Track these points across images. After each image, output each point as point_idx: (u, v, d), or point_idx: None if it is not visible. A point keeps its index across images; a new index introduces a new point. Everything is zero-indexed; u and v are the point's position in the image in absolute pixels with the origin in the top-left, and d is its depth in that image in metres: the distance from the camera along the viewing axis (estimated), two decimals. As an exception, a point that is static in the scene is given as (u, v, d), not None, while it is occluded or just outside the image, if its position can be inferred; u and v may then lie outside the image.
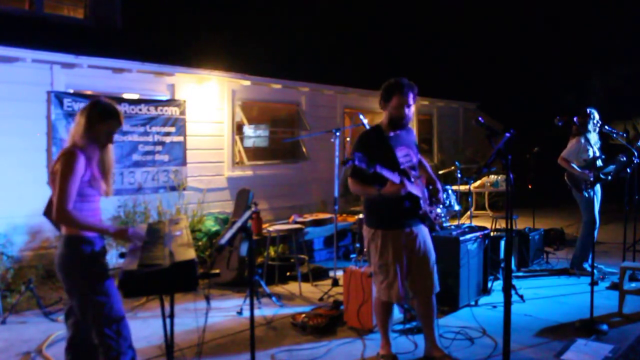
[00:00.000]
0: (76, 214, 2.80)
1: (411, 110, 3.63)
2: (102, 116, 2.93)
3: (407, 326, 4.49)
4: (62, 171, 2.79)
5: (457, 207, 5.44)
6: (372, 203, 3.67)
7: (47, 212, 3.09)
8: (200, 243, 6.76)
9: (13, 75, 6.02)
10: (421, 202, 3.64)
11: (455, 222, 5.88)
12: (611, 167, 5.84)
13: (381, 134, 3.64)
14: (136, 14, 8.47)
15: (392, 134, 3.66)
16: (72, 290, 2.90)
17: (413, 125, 12.09)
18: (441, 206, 3.92)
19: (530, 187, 7.95)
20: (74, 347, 3.04)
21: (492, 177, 10.85)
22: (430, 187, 3.81)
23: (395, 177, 3.36)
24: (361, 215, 6.76)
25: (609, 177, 5.87)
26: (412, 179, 3.60)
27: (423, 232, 3.73)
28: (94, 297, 2.85)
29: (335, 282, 5.72)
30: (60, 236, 2.91)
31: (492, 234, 5.80)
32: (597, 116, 5.92)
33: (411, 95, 3.57)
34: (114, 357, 2.86)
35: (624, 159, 5.64)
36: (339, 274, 5.74)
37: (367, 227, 3.75)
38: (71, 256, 2.86)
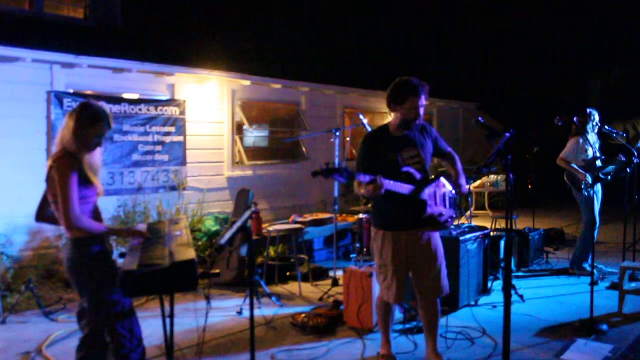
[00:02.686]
0: (86, 220, 2.83)
1: (423, 110, 3.55)
2: (92, 119, 2.92)
3: (407, 326, 4.48)
4: (60, 181, 2.79)
5: (457, 207, 5.43)
6: (378, 204, 3.65)
7: (40, 217, 3.09)
8: (200, 243, 6.76)
9: (13, 75, 6.02)
10: (428, 204, 3.52)
11: (455, 222, 5.88)
12: (611, 168, 5.84)
13: (387, 135, 3.59)
14: (136, 14, 8.47)
15: (399, 134, 3.57)
16: (84, 291, 2.92)
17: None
18: (455, 209, 3.84)
19: (530, 187, 7.96)
20: (85, 347, 3.04)
21: (492, 177, 10.86)
22: (452, 180, 3.71)
23: (366, 179, 3.25)
24: (361, 215, 6.77)
25: (609, 177, 5.87)
26: (420, 180, 3.51)
27: (428, 234, 3.62)
28: (106, 298, 2.88)
29: (335, 282, 5.72)
30: (68, 239, 2.92)
31: (492, 234, 5.80)
32: (597, 117, 5.92)
33: (424, 96, 3.50)
34: (125, 354, 2.89)
35: (624, 158, 5.64)
36: (339, 274, 5.75)
37: (372, 228, 3.75)
38: (81, 258, 2.88)
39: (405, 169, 3.49)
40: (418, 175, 3.56)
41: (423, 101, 3.51)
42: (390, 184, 3.32)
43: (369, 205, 6.46)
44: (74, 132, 2.89)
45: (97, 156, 3.05)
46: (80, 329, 3.07)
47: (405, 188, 3.45)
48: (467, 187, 3.74)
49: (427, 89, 3.52)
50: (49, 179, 2.88)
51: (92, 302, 2.91)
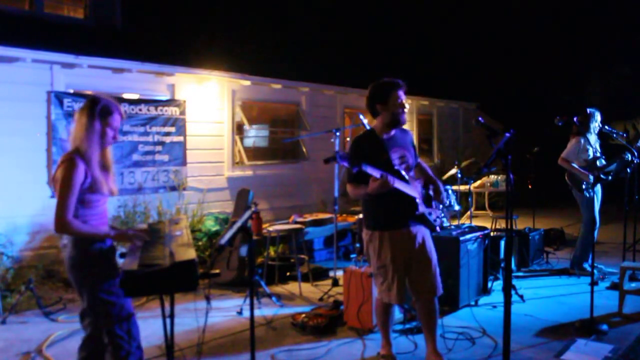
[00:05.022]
0: (75, 224, 2.77)
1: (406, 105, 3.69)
2: (104, 112, 2.87)
3: (407, 326, 4.48)
4: (61, 181, 2.76)
5: (457, 207, 5.44)
6: (370, 205, 3.67)
7: None
8: (200, 243, 6.76)
9: (13, 75, 6.02)
10: (418, 202, 3.61)
11: (455, 222, 5.88)
12: (612, 167, 5.84)
13: (375, 137, 3.66)
14: (136, 14, 8.47)
15: (386, 136, 3.65)
16: (83, 290, 2.89)
17: (413, 126, 12.10)
18: (441, 207, 3.90)
19: (530, 187, 7.96)
20: (88, 346, 3.03)
21: (492, 177, 10.86)
22: (432, 188, 3.79)
23: (377, 173, 3.32)
24: (361, 215, 6.76)
25: (610, 177, 5.87)
26: (408, 180, 3.58)
27: (422, 233, 3.68)
28: (105, 298, 2.85)
29: (335, 282, 5.72)
30: (70, 238, 2.89)
31: (492, 234, 5.80)
32: (598, 117, 5.91)
33: (402, 90, 3.64)
34: (123, 356, 2.86)
35: (628, 158, 5.64)
36: (339, 274, 5.74)
37: (365, 230, 3.75)
38: (81, 257, 2.85)
39: (396, 168, 3.54)
40: (411, 174, 3.65)
41: (403, 96, 3.63)
42: (397, 182, 3.39)
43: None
44: (87, 128, 2.82)
45: (108, 155, 3.01)
46: (83, 328, 3.05)
47: (408, 188, 3.52)
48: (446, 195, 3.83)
49: (404, 85, 3.65)
50: (54, 180, 2.84)
51: (90, 302, 2.89)
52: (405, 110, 3.65)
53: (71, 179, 2.75)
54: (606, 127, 5.79)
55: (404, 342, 4.22)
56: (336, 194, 5.97)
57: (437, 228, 3.81)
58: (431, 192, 3.78)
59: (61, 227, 2.75)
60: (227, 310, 5.12)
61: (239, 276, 5.91)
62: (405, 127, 3.82)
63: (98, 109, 2.86)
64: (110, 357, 2.88)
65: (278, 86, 8.87)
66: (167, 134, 7.31)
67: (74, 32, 7.74)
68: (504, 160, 2.93)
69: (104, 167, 2.96)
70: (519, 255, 6.48)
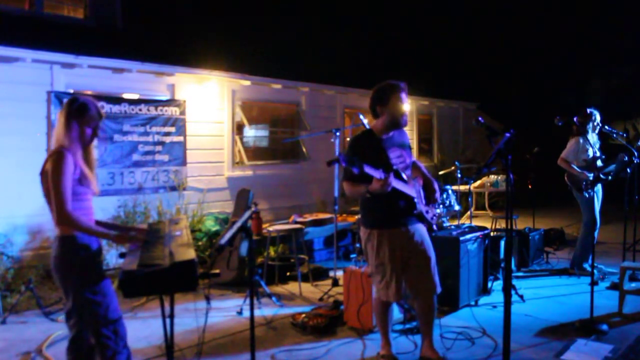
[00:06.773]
0: (77, 216, 2.79)
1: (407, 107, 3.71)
2: (80, 110, 2.91)
3: (407, 326, 4.49)
4: (53, 173, 2.77)
5: (457, 207, 5.44)
6: (368, 204, 3.68)
7: None
8: (200, 243, 6.76)
9: (13, 75, 6.02)
10: (416, 201, 3.64)
11: (455, 222, 5.88)
12: (611, 167, 5.84)
13: (373, 137, 3.68)
14: (136, 14, 8.46)
15: (384, 136, 3.68)
16: (68, 291, 2.89)
17: (413, 126, 12.10)
18: (441, 206, 3.92)
19: (530, 187, 7.96)
20: (75, 347, 3.03)
21: (492, 177, 10.86)
22: (427, 188, 3.82)
23: (378, 174, 3.33)
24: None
25: (609, 177, 5.87)
26: (406, 179, 3.60)
27: (420, 232, 3.71)
28: (90, 298, 2.84)
29: (335, 282, 5.72)
30: (55, 237, 2.90)
31: (492, 234, 5.80)
32: (598, 117, 5.91)
33: (404, 93, 3.66)
34: (110, 356, 2.86)
35: (625, 158, 5.64)
36: (339, 274, 5.75)
37: (363, 228, 3.76)
38: (66, 257, 2.84)
39: (395, 168, 3.56)
40: (408, 173, 3.67)
41: (405, 98, 3.65)
42: (395, 182, 3.41)
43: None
44: (65, 127, 2.88)
45: (91, 154, 3.04)
46: (69, 328, 3.05)
47: (407, 188, 3.54)
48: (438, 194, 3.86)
49: (406, 88, 3.68)
50: (43, 174, 2.87)
51: (76, 302, 2.88)
52: (406, 113, 3.67)
53: (62, 170, 2.77)
54: (606, 127, 5.79)
55: (404, 342, 4.22)
56: (336, 194, 5.97)
57: (434, 226, 3.84)
58: (429, 191, 3.80)
59: (62, 218, 2.76)
60: (227, 310, 5.12)
61: (239, 276, 5.91)
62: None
63: (74, 109, 2.92)
64: (99, 357, 2.88)
65: (278, 86, 8.87)
66: (167, 134, 7.31)
67: (74, 32, 7.73)
68: (504, 160, 2.93)
69: (87, 166, 2.98)
70: (519, 255, 6.48)
